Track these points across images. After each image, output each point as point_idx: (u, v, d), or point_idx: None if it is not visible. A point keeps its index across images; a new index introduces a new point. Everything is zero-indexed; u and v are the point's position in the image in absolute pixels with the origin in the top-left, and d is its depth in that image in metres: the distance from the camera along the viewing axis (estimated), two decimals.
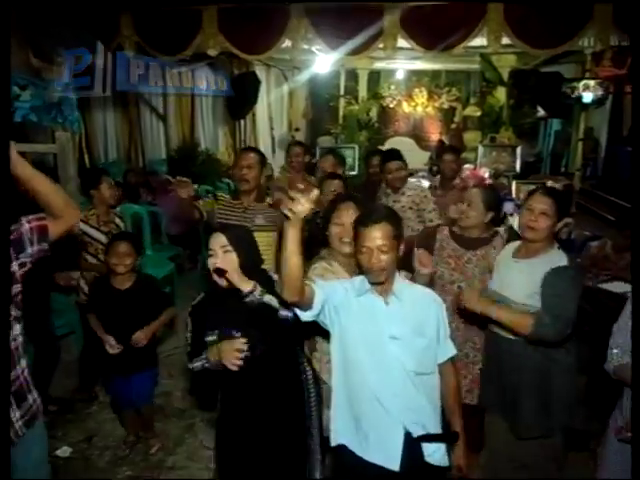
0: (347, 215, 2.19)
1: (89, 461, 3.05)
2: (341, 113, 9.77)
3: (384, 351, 1.83)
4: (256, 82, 8.53)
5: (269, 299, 1.89)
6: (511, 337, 2.17)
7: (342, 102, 9.77)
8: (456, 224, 2.62)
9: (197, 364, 2.01)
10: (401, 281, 1.92)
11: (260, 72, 8.97)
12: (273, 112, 10.05)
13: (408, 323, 1.85)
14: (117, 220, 3.62)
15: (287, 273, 1.69)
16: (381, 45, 5.39)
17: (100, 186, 3.47)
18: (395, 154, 3.83)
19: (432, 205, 3.63)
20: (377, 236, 1.78)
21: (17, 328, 1.78)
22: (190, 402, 3.59)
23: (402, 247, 1.88)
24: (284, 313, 1.90)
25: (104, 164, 8.24)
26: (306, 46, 6.26)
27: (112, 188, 3.54)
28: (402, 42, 5.47)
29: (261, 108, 9.53)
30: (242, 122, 9.27)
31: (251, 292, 1.86)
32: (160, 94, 8.37)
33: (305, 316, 1.85)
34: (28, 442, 1.84)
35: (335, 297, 1.88)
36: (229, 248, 1.96)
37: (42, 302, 3.42)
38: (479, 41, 5.55)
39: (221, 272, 1.89)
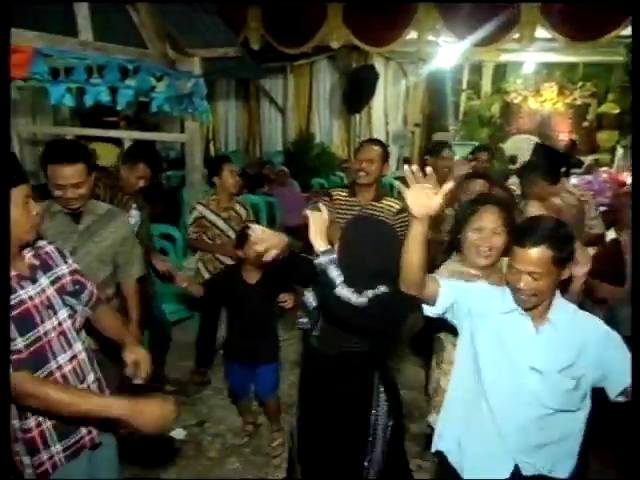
0: (489, 220, 1.96)
1: (200, 447, 3.10)
2: (462, 109, 9.33)
3: (520, 381, 1.61)
4: (375, 75, 8.39)
5: (332, 270, 1.72)
6: None
7: (463, 97, 9.32)
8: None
9: None
10: (562, 306, 1.64)
11: (379, 65, 8.81)
12: (389, 106, 9.84)
13: (558, 359, 1.58)
14: (237, 207, 3.65)
15: (406, 264, 1.62)
16: (516, 35, 4.98)
17: (222, 173, 3.52)
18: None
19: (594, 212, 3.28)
20: (532, 261, 1.52)
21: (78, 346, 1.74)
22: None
23: (567, 271, 1.60)
24: (343, 293, 1.71)
25: (224, 153, 8.57)
26: (432, 38, 6.00)
27: (234, 176, 3.58)
28: (540, 32, 5.03)
29: (377, 102, 9.38)
30: (357, 116, 9.19)
31: (322, 253, 1.73)
32: (280, 86, 8.52)
33: (428, 311, 1.76)
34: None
35: (472, 301, 1.71)
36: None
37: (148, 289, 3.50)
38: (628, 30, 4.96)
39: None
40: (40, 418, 1.60)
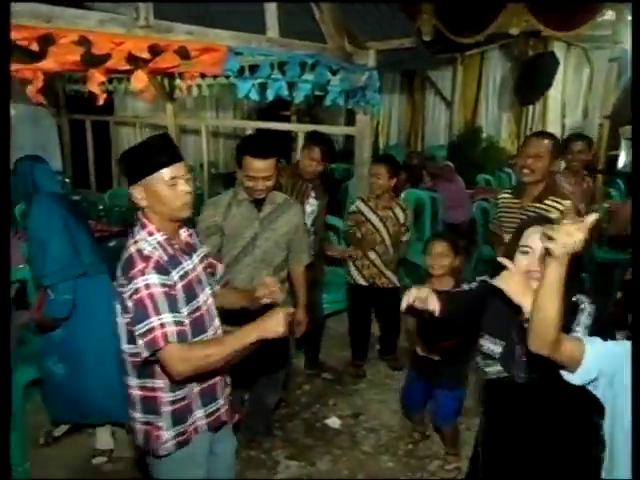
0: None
1: (355, 439, 3.11)
2: None
3: None
4: (554, 63, 7.67)
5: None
6: None
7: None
8: None
9: None
10: None
11: (559, 52, 8.03)
12: (568, 97, 8.95)
13: None
14: (397, 209, 3.58)
15: (539, 318, 1.34)
16: None
17: (380, 172, 3.46)
18: None
19: None
20: None
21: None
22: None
23: None
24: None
25: (386, 147, 8.55)
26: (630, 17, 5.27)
27: (391, 177, 3.48)
28: None
29: (554, 93, 8.57)
30: (530, 108, 8.51)
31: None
32: (448, 78, 8.23)
33: (569, 378, 1.42)
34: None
35: (612, 365, 1.39)
36: None
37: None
38: None
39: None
40: (191, 386, 1.69)
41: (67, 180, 6.32)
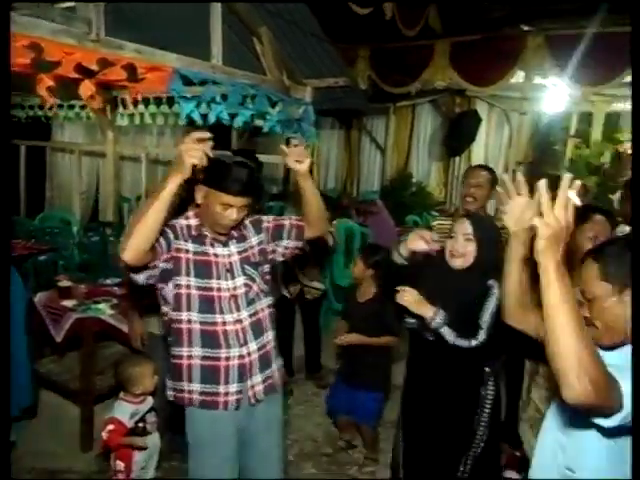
0: None
1: None
2: (568, 156, 9.02)
3: None
4: (477, 120, 8.40)
5: (444, 331, 1.96)
6: None
7: (570, 145, 9.03)
8: None
9: None
10: None
11: (482, 111, 8.83)
12: (490, 152, 9.75)
13: None
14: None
15: (503, 290, 1.54)
16: (629, 75, 4.84)
17: None
18: None
19: None
20: None
21: (263, 301, 1.99)
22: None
23: None
24: (460, 342, 1.96)
25: (324, 191, 8.91)
26: (539, 79, 5.97)
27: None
28: None
29: (478, 147, 9.34)
30: (456, 159, 9.20)
31: (432, 319, 1.97)
32: (382, 126, 8.80)
33: (601, 422, 1.21)
34: (264, 407, 1.98)
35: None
36: (471, 237, 1.96)
37: None
38: None
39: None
40: (191, 351, 1.86)
41: None
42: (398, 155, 9.09)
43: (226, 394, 1.88)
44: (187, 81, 3.15)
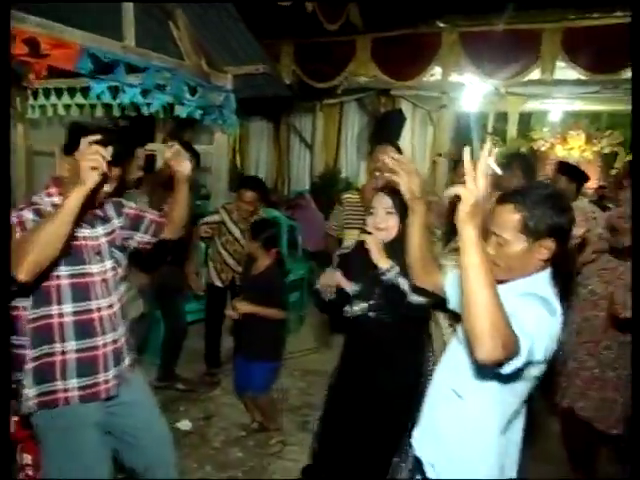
0: None
1: (205, 438, 3.11)
2: None
3: None
4: (402, 119, 8.65)
5: (402, 282, 1.92)
6: None
7: (488, 141, 9.48)
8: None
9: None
10: None
11: (406, 110, 9.10)
12: (416, 151, 10.07)
13: None
14: None
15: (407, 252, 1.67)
16: (538, 69, 5.16)
17: (241, 190, 3.67)
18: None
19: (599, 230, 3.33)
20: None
21: (124, 286, 1.95)
22: (305, 401, 3.55)
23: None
24: (414, 298, 1.91)
25: None
26: (456, 76, 6.24)
27: (252, 201, 3.65)
28: (564, 73, 5.21)
29: (403, 146, 9.59)
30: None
31: (387, 271, 1.93)
32: (310, 124, 8.87)
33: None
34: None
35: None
36: (392, 211, 1.99)
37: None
38: None
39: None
40: (64, 346, 1.72)
41: None
42: (327, 153, 9.18)
43: (106, 382, 1.81)
44: (97, 61, 3.03)
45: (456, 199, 1.12)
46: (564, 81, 5.75)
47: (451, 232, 2.29)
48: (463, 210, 1.10)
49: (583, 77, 5.27)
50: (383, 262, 1.94)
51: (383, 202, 2.04)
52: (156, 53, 3.38)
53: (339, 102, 8.59)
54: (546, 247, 1.31)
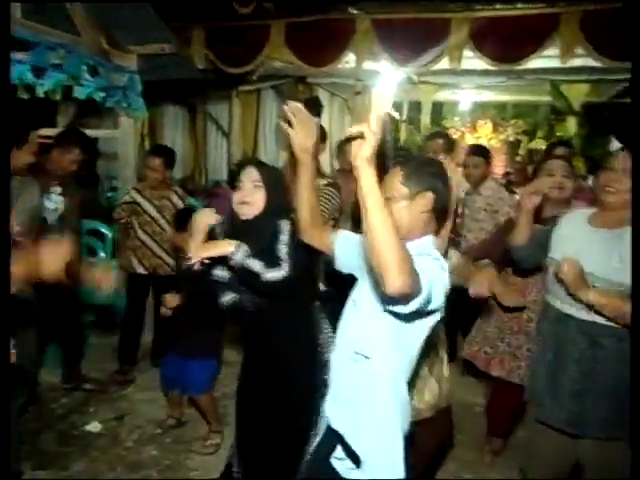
0: None
1: (117, 438, 2.94)
2: (402, 142, 9.70)
3: None
4: (318, 106, 8.62)
5: (251, 263, 1.79)
6: (589, 320, 1.87)
7: (403, 130, 9.72)
8: None
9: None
10: None
11: (323, 99, 9.10)
12: (333, 137, 10.12)
13: None
14: (174, 197, 3.62)
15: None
16: (447, 58, 5.30)
17: (148, 158, 3.53)
18: (479, 150, 4.11)
19: (507, 209, 3.46)
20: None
21: None
22: (222, 391, 3.43)
23: None
24: (269, 275, 1.79)
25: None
26: (371, 64, 6.29)
27: (158, 168, 3.51)
28: (472, 63, 5.39)
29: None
30: None
31: (232, 254, 1.80)
32: (226, 111, 8.66)
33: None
34: None
35: None
36: (259, 184, 1.90)
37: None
38: (549, 62, 5.39)
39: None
40: None
41: None
42: (245, 141, 8.99)
43: None
44: None
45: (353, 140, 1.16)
46: (472, 71, 5.95)
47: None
48: (365, 150, 1.13)
49: (490, 67, 5.48)
50: (224, 246, 1.83)
51: (251, 175, 1.94)
52: (48, 28, 3.11)
53: (256, 89, 8.43)
54: (426, 199, 1.46)
